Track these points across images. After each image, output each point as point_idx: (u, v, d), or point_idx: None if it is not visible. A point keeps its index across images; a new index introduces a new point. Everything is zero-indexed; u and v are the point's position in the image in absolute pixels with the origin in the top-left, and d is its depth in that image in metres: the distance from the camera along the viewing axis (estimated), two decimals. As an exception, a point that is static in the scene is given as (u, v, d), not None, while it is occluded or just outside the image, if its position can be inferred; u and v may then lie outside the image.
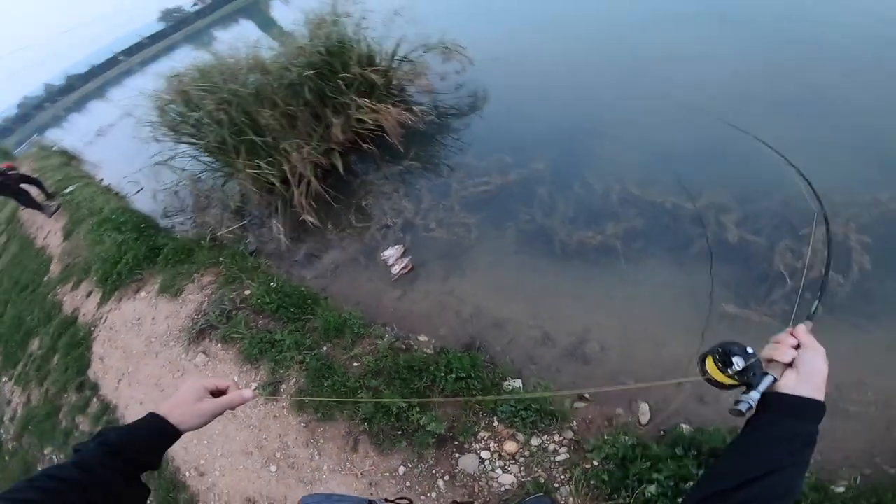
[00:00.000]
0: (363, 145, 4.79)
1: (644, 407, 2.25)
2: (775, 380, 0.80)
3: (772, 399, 0.78)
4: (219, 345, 3.67)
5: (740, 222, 2.77)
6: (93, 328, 5.11)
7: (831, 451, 1.91)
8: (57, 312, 6.04)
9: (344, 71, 4.79)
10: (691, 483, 1.84)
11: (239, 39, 5.23)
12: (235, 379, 3.36)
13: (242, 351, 3.43)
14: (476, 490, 2.19)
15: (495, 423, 2.35)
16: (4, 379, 6.00)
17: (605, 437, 2.10)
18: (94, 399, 4.27)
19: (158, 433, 0.87)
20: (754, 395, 0.78)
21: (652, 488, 1.85)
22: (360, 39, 5.08)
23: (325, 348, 3.10)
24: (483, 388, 2.46)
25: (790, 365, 0.80)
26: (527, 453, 2.23)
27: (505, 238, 3.40)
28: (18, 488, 0.71)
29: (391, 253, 3.69)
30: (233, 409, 0.95)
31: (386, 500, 1.20)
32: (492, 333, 2.90)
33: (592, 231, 3.10)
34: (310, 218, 4.45)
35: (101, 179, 10.69)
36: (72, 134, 18.29)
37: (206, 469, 3.11)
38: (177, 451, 3.27)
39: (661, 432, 2.08)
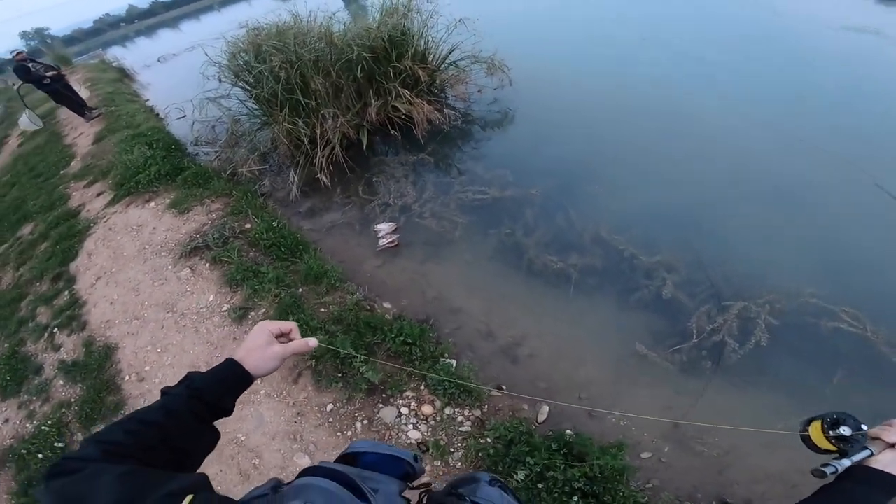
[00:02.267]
0: (390, 130, 5.20)
1: (545, 409, 2.61)
2: (871, 454, 0.80)
3: (858, 470, 0.78)
4: (207, 265, 4.03)
5: (679, 284, 3.13)
6: (92, 225, 5.47)
7: (668, 480, 2.25)
8: (62, 204, 6.45)
9: (397, 61, 5.23)
10: (552, 473, 2.17)
11: (320, 5, 5.71)
12: (210, 299, 3.74)
13: (226, 274, 3.79)
14: (387, 438, 2.53)
15: (422, 388, 2.70)
16: None
17: (505, 423, 2.44)
18: (66, 292, 4.57)
19: (236, 379, 0.88)
20: (844, 462, 0.79)
21: (521, 474, 2.18)
22: (421, 36, 5.52)
23: (300, 290, 3.48)
24: (423, 356, 2.81)
25: (892, 446, 0.80)
26: (438, 418, 2.57)
27: (484, 243, 3.78)
28: (108, 430, 0.75)
29: (384, 227, 4.08)
30: (297, 354, 1.00)
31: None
32: (445, 317, 3.28)
33: (558, 258, 3.46)
34: (324, 178, 4.86)
35: (147, 100, 11.27)
36: (134, 55, 19.02)
37: (147, 375, 3.38)
38: (126, 354, 3.59)
39: (550, 432, 2.42)
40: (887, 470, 0.75)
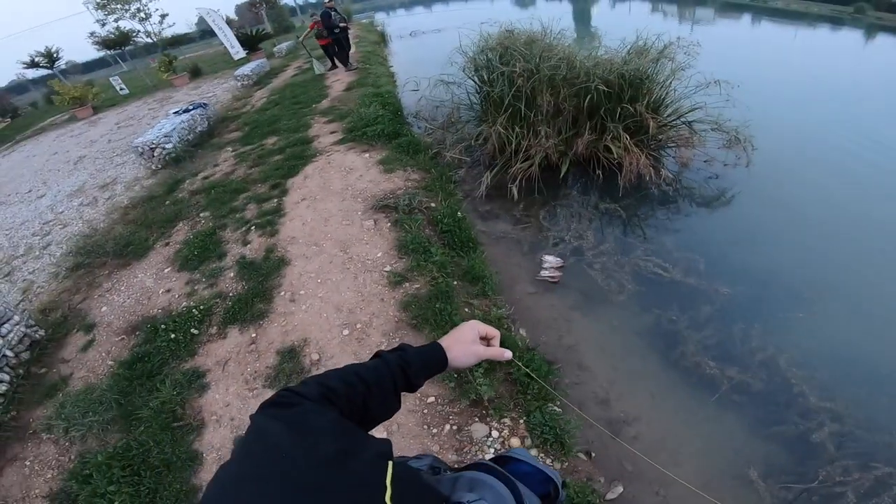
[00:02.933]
0: (594, 169, 5.13)
1: (619, 489, 2.45)
2: None
3: None
4: (388, 224, 4.44)
5: (836, 433, 2.60)
6: (318, 154, 6.41)
7: None
8: (304, 130, 7.68)
9: (629, 103, 5.11)
10: None
11: (552, 18, 5.86)
12: (379, 255, 4.15)
13: (401, 240, 4.13)
14: (464, 450, 2.57)
15: (521, 421, 2.70)
16: (230, 149, 7.73)
17: (577, 485, 2.33)
18: (276, 200, 5.31)
19: (438, 363, 0.92)
20: None
21: None
22: (665, 86, 5.30)
23: (456, 282, 3.68)
24: (538, 394, 2.79)
25: None
26: (528, 451, 2.55)
27: (641, 317, 3.55)
28: (330, 375, 0.81)
29: (551, 259, 4.09)
30: (491, 359, 0.99)
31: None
32: (571, 369, 3.19)
33: (714, 364, 3.09)
34: (513, 189, 5.03)
35: (392, 66, 12.88)
36: (393, 24, 21.91)
37: (299, 299, 3.69)
38: (293, 272, 3.95)
39: None
40: None
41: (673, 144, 5.40)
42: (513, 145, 5.26)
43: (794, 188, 4.90)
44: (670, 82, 5.25)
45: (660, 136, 5.31)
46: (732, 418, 2.83)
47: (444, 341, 0.95)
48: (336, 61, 11.94)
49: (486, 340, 0.99)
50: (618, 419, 2.88)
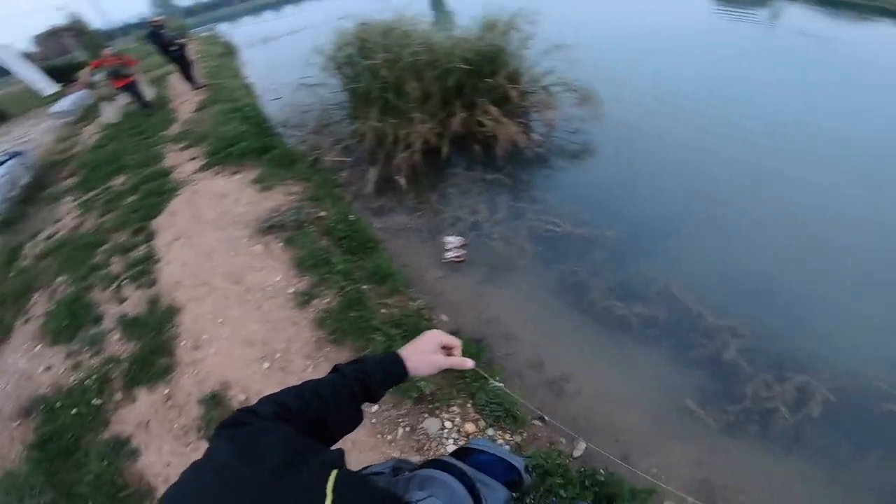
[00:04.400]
0: (472, 144, 5.29)
1: (582, 445, 2.61)
2: None
3: None
4: (280, 244, 4.19)
5: (743, 349, 3.03)
6: (180, 186, 5.80)
7: None
8: (156, 162, 6.86)
9: (490, 76, 5.32)
10: None
11: (407, 6, 5.90)
12: (277, 279, 3.91)
13: (297, 258, 3.93)
14: (425, 448, 2.57)
15: (469, 405, 2.73)
16: (69, 198, 6.71)
17: (542, 453, 2.44)
18: (144, 246, 4.74)
19: (397, 374, 0.92)
20: None
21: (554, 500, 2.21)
22: (518, 56, 5.59)
23: (365, 286, 3.59)
24: (473, 376, 2.85)
25: None
26: (487, 440, 2.59)
27: (548, 275, 3.77)
28: (284, 393, 0.81)
29: (452, 240, 4.15)
30: (453, 369, 0.99)
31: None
32: (499, 341, 3.30)
33: (621, 304, 3.41)
34: (401, 180, 5.00)
35: (247, 77, 12.01)
36: (240, 33, 20.36)
37: (203, 344, 3.41)
38: (187, 319, 3.66)
39: (583, 468, 2.41)
40: None
41: (536, 109, 5.75)
42: (390, 137, 5.21)
43: (645, 132, 5.51)
44: (521, 52, 5.55)
45: (524, 104, 5.62)
46: (653, 353, 3.13)
47: (404, 351, 0.94)
48: (141, 99, 9.65)
49: (447, 350, 0.98)
50: (556, 378, 3.04)
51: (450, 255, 4.04)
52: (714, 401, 2.80)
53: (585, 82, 5.63)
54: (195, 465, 0.61)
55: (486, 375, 2.44)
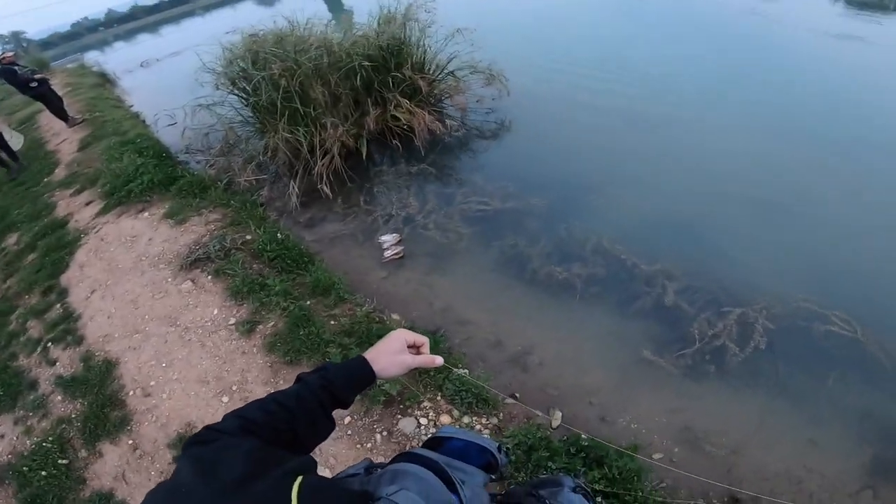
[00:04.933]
0: (390, 140, 5.24)
1: (558, 414, 2.69)
2: None
3: None
4: (209, 277, 3.98)
5: (679, 291, 3.26)
6: (83, 235, 5.31)
7: (681, 479, 2.36)
8: (48, 213, 6.22)
9: (396, 70, 5.27)
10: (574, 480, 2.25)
11: (303, 9, 5.71)
12: (215, 312, 3.71)
13: (231, 287, 3.75)
14: (407, 448, 2.56)
15: (438, 398, 2.74)
16: None
17: (523, 430, 2.50)
18: (58, 305, 4.41)
19: (364, 377, 0.90)
20: None
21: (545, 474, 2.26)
22: (420, 45, 5.58)
23: (309, 302, 3.48)
24: (435, 369, 2.85)
25: None
26: (456, 427, 2.62)
27: (488, 254, 3.85)
28: (249, 407, 0.80)
29: (388, 238, 4.11)
30: (423, 369, 0.97)
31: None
32: (454, 328, 3.32)
33: (561, 268, 3.55)
34: (324, 189, 4.86)
35: (132, 106, 11.05)
36: (115, 60, 18.57)
37: (153, 391, 3.29)
38: (129, 369, 3.50)
39: (566, 437, 2.50)
40: None
41: (447, 95, 5.80)
42: (305, 146, 5.04)
43: (553, 101, 5.76)
44: (423, 41, 5.55)
45: (434, 92, 5.64)
46: (600, 309, 3.28)
47: (369, 354, 0.92)
48: (7, 150, 8.28)
49: (414, 349, 0.96)
50: (518, 354, 3.11)
51: (388, 253, 4.00)
52: (668, 347, 2.98)
53: (490, 62, 5.73)
54: (156, 488, 0.61)
55: (448, 366, 2.45)
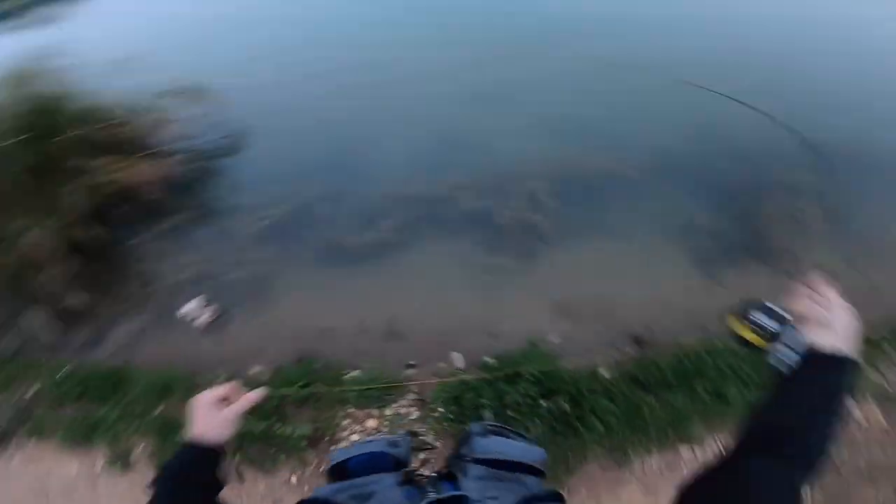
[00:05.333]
0: (122, 205, 4.47)
1: (457, 356, 3.07)
2: (808, 338, 0.77)
3: (814, 357, 0.76)
4: (32, 440, 3.16)
5: (471, 198, 3.98)
6: None
7: (571, 343, 3.05)
8: None
9: (67, 131, 4.36)
10: (508, 396, 2.60)
11: None
12: (74, 469, 2.94)
13: (64, 438, 3.05)
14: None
15: (350, 409, 2.84)
16: None
17: (439, 388, 2.76)
18: None
19: (206, 457, 0.85)
20: (792, 356, 0.77)
21: (488, 414, 2.61)
22: (91, 91, 4.74)
23: (159, 409, 3.08)
24: (328, 383, 2.91)
25: (820, 321, 0.78)
26: (387, 423, 2.78)
27: (302, 260, 3.90)
28: None
29: (191, 307, 3.71)
30: (248, 409, 0.92)
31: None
32: (318, 342, 3.38)
33: (373, 233, 3.87)
34: (74, 301, 3.97)
35: None
36: None
37: None
38: None
39: (476, 370, 2.85)
40: (836, 351, 0.74)
41: (152, 131, 5.08)
42: (12, 268, 3.96)
43: (272, 94, 5.75)
44: (90, 85, 4.69)
45: (139, 135, 4.89)
46: (423, 248, 3.74)
47: (192, 433, 0.86)
48: None
49: (226, 401, 0.92)
50: (385, 329, 3.38)
51: (201, 320, 3.67)
52: (495, 246, 3.65)
53: (192, 80, 5.21)
54: None
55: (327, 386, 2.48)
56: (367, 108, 5.12)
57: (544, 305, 3.35)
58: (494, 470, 0.94)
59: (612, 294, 3.38)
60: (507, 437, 1.07)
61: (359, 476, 0.94)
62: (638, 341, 3.10)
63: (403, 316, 3.42)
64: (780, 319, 0.81)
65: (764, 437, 0.72)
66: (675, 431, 2.62)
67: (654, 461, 2.59)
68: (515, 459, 0.99)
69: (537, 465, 1.01)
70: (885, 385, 2.87)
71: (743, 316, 0.83)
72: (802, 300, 0.82)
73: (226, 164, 4.92)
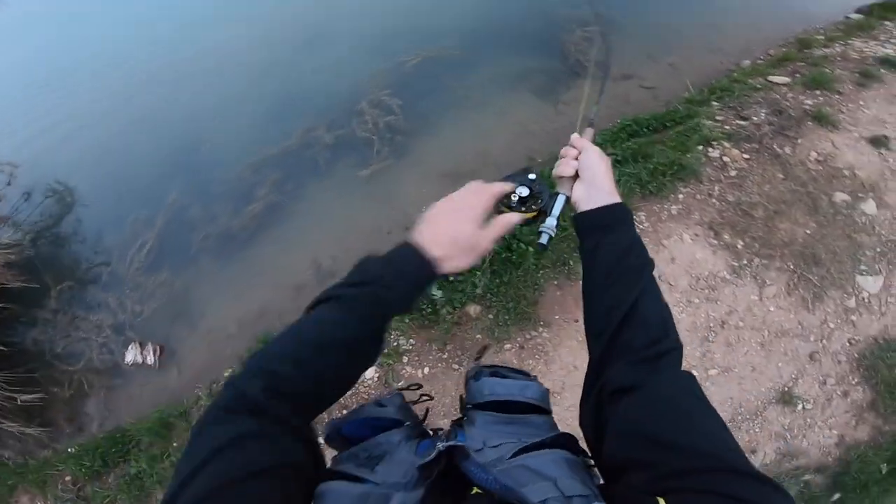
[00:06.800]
0: None
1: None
2: (568, 198, 0.77)
3: (580, 221, 0.74)
4: None
5: (331, 129, 4.13)
6: None
7: None
8: None
9: None
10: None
11: None
12: None
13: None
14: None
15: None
16: None
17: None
18: None
19: (424, 283, 0.71)
20: (551, 223, 0.75)
21: None
22: None
23: (174, 445, 3.19)
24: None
25: (577, 177, 0.77)
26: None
27: (203, 265, 3.91)
28: (273, 356, 0.63)
29: (132, 354, 3.68)
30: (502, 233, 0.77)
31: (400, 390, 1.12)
32: (262, 322, 3.52)
33: (253, 204, 3.94)
34: (15, 427, 3.60)
35: None
36: None
37: None
38: None
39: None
40: (593, 204, 0.73)
41: None
42: None
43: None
44: None
45: None
46: (310, 192, 3.93)
47: (433, 247, 0.70)
48: None
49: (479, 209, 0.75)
50: (318, 274, 3.65)
51: (150, 359, 3.65)
52: (368, 157, 3.94)
53: None
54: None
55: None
56: (184, 98, 4.75)
57: (437, 182, 3.75)
58: (501, 414, 0.86)
59: (485, 147, 3.87)
60: (502, 377, 0.99)
61: (361, 441, 0.84)
62: (525, 171, 3.64)
63: (324, 257, 3.69)
64: (537, 189, 0.78)
65: (605, 339, 0.68)
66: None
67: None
68: (512, 399, 0.91)
69: (539, 403, 0.92)
70: (727, 127, 3.63)
71: (507, 202, 0.78)
72: (561, 159, 0.81)
73: (66, 222, 4.44)
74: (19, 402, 3.62)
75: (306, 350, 0.62)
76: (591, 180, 0.76)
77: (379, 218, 3.77)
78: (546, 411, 0.94)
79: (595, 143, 0.83)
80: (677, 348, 0.66)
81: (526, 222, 0.78)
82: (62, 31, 5.91)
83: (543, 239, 0.77)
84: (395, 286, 0.67)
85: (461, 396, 1.05)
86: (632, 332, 0.66)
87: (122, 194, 4.42)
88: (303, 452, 0.57)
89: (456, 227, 0.71)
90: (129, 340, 3.75)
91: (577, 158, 0.80)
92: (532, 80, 4.27)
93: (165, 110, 4.78)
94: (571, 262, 3.07)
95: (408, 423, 0.91)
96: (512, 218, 0.78)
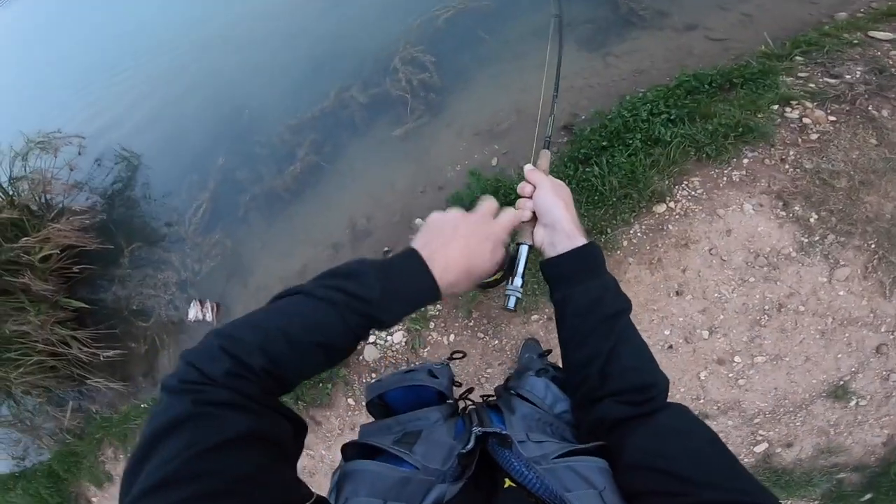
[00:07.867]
0: (73, 274, 4.55)
1: (420, 222, 3.54)
2: (531, 246, 0.72)
3: (546, 271, 0.71)
4: None
5: (365, 88, 4.10)
6: None
7: (508, 159, 3.46)
8: None
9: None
10: None
11: None
12: None
13: None
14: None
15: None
16: None
17: None
18: None
19: (418, 296, 0.66)
20: (517, 283, 0.71)
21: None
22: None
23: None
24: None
25: (533, 221, 0.71)
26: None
27: (251, 224, 4.15)
28: (245, 331, 0.61)
29: (193, 312, 4.09)
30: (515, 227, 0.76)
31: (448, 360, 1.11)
32: (306, 278, 3.77)
33: (294, 164, 4.08)
34: (101, 382, 4.22)
35: None
36: None
37: None
38: None
39: None
40: (558, 251, 0.69)
41: (41, 195, 4.83)
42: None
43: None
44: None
45: (29, 206, 4.73)
46: (348, 154, 4.00)
47: (448, 268, 0.66)
48: None
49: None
50: (353, 234, 3.79)
51: (209, 316, 4.04)
52: (403, 115, 3.92)
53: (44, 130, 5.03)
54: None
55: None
56: (222, 66, 4.88)
57: (471, 140, 3.65)
58: (541, 410, 0.83)
59: (523, 101, 3.62)
60: (553, 387, 0.92)
61: (401, 412, 0.84)
62: (567, 128, 3.39)
63: (359, 216, 3.78)
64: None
65: (585, 391, 0.68)
66: (636, 191, 2.81)
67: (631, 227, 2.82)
68: (546, 409, 0.85)
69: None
70: (811, 86, 3.09)
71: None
72: (519, 203, 0.77)
73: (132, 185, 4.87)
74: (102, 358, 4.15)
75: (283, 345, 0.60)
76: (552, 224, 0.73)
77: (413, 177, 3.77)
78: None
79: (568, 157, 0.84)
80: (662, 392, 0.66)
81: (489, 285, 0.74)
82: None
83: (510, 303, 0.74)
84: (391, 309, 0.64)
85: (507, 379, 1.04)
86: (612, 383, 0.65)
87: (178, 158, 4.70)
88: (278, 424, 0.57)
89: (472, 260, 0.68)
90: (191, 298, 4.17)
91: (531, 196, 0.77)
92: (577, 30, 3.89)
93: (210, 78, 4.93)
94: (604, 227, 2.91)
95: (450, 400, 0.92)
96: (524, 208, 0.78)
